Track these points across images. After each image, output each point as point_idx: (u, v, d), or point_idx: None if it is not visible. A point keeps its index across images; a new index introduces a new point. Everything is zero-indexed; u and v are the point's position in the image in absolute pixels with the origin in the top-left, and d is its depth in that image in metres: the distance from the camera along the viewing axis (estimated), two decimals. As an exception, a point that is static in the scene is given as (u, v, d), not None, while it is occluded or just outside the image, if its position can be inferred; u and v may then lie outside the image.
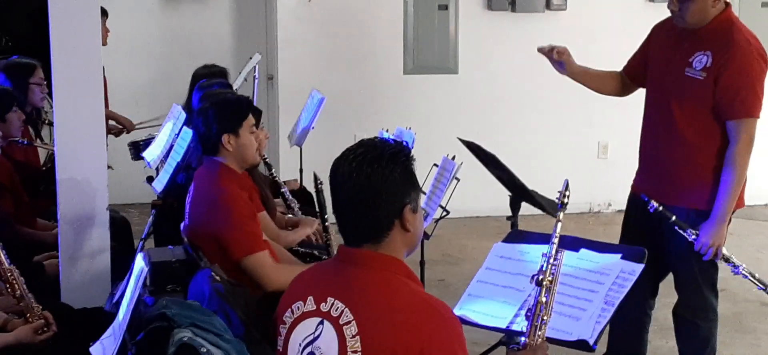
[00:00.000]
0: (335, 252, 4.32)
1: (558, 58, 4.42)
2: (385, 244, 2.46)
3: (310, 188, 5.86)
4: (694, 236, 4.01)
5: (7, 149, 4.82)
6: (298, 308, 2.53)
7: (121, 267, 4.61)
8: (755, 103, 3.97)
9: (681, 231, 4.03)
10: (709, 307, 4.23)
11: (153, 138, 6.03)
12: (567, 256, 2.86)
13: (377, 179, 2.41)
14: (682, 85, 4.08)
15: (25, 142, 5.32)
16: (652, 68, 4.32)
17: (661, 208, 4.04)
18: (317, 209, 4.64)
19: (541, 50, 4.45)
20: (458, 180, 4.41)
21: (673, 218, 4.04)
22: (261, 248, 3.96)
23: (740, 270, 3.99)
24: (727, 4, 4.07)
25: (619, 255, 3.04)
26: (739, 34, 3.99)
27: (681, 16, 4.05)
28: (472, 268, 6.73)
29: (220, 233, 3.91)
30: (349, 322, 2.40)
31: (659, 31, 4.33)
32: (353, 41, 8.03)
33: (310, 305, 2.51)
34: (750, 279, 3.99)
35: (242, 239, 3.91)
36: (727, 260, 4.01)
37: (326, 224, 4.52)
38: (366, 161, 2.43)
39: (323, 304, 2.47)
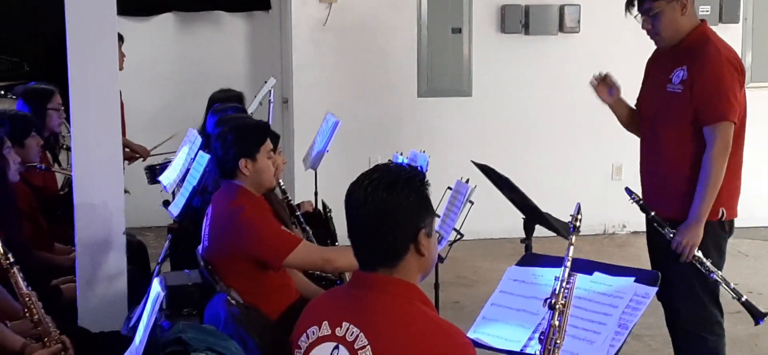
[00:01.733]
0: (348, 278, 4.40)
1: (611, 84, 4.48)
2: (399, 268, 2.48)
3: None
4: (671, 236, 4.10)
5: (25, 175, 4.85)
6: (313, 333, 2.55)
7: (137, 291, 4.65)
8: (728, 109, 4.05)
9: (660, 229, 4.13)
10: (715, 321, 4.25)
11: (169, 162, 6.07)
12: (580, 279, 2.86)
13: (392, 203, 2.43)
14: (664, 101, 4.22)
15: (44, 167, 5.36)
16: (642, 92, 4.48)
17: (653, 214, 4.17)
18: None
19: (597, 78, 4.51)
20: (472, 203, 4.42)
21: (653, 213, 4.15)
22: (299, 240, 4.01)
23: (714, 276, 4.05)
24: (702, 21, 4.22)
25: (633, 278, 3.04)
26: (712, 45, 4.11)
27: (656, 34, 4.21)
28: (487, 290, 6.73)
29: (253, 251, 3.94)
30: (364, 347, 2.42)
31: (651, 61, 4.48)
32: (368, 65, 8.08)
33: (325, 329, 2.52)
34: (724, 286, 4.03)
35: (277, 242, 3.95)
36: (701, 264, 4.07)
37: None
38: (381, 186, 2.45)
39: (338, 328, 2.49)
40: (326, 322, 2.53)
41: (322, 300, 2.69)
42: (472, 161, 4.35)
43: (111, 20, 4.37)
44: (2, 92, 7.41)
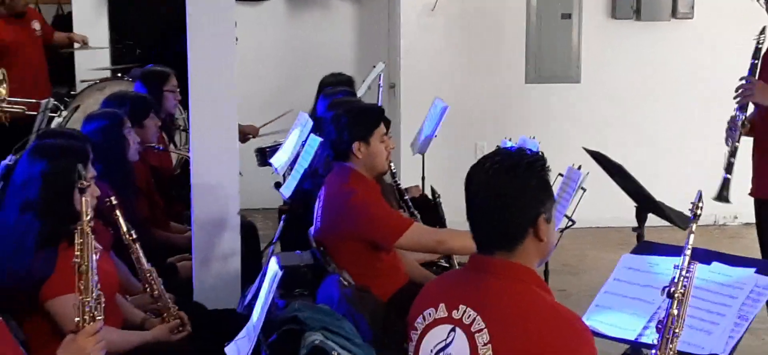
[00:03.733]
0: (457, 262, 4.41)
1: None
2: (517, 252, 2.47)
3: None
4: None
5: (143, 154, 4.98)
6: (430, 314, 2.56)
7: (248, 270, 4.75)
8: None
9: None
10: None
11: (278, 145, 6.15)
12: (699, 269, 2.82)
13: (513, 187, 2.43)
14: None
15: (161, 147, 5.50)
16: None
17: None
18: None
19: None
20: (584, 190, 4.38)
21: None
22: (411, 222, 4.06)
23: None
24: None
25: (754, 269, 2.99)
26: None
27: None
28: (592, 279, 6.68)
29: (366, 232, 4.00)
30: (481, 330, 2.42)
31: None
32: (475, 50, 8.04)
33: (441, 312, 2.54)
34: None
35: (390, 224, 4.00)
36: None
37: None
38: (502, 169, 2.45)
39: (455, 311, 2.50)
40: (443, 304, 2.54)
41: (439, 282, 2.71)
42: (584, 148, 4.31)
43: (229, 4, 4.45)
44: (119, 75, 7.60)
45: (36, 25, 7.57)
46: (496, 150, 2.56)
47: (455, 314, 2.50)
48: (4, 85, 6.61)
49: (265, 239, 6.28)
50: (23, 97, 6.25)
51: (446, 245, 4.06)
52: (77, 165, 3.01)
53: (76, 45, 7.95)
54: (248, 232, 5.48)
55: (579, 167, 4.43)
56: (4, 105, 6.44)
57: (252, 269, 4.90)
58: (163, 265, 4.47)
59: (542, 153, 2.56)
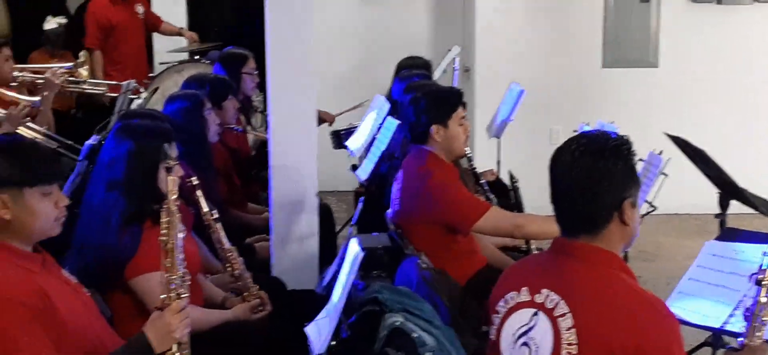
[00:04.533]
0: (534, 247, 4.38)
1: None
2: (601, 237, 2.45)
3: (506, 179, 5.90)
4: None
5: (221, 136, 5.03)
6: (512, 298, 2.56)
7: (323, 252, 4.78)
8: None
9: None
10: None
11: (353, 128, 6.17)
12: (788, 256, 2.77)
13: (599, 170, 2.41)
14: None
15: (240, 129, 5.55)
16: None
17: None
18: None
19: None
20: (666, 175, 4.32)
21: None
22: (488, 206, 4.06)
23: None
24: None
25: (844, 257, 2.92)
26: None
27: None
28: (668, 266, 6.58)
29: (443, 215, 3.99)
30: (564, 314, 2.41)
31: None
32: (552, 33, 7.96)
33: (524, 295, 2.53)
34: None
35: (467, 208, 4.00)
36: None
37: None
38: (588, 152, 2.43)
39: (538, 295, 2.49)
40: (526, 288, 2.53)
41: (522, 266, 2.70)
42: (666, 133, 4.25)
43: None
44: (196, 57, 7.69)
45: (139, 9, 7.75)
46: (582, 133, 2.54)
47: (538, 298, 2.49)
48: (86, 67, 6.75)
49: (339, 221, 6.32)
50: (122, 78, 6.38)
51: (524, 229, 4.03)
52: (163, 145, 3.06)
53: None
54: (324, 214, 5.51)
55: (660, 153, 4.38)
56: (86, 86, 6.58)
57: (327, 250, 4.94)
58: (240, 245, 4.52)
59: (628, 137, 2.53)
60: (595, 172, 2.41)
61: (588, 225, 2.45)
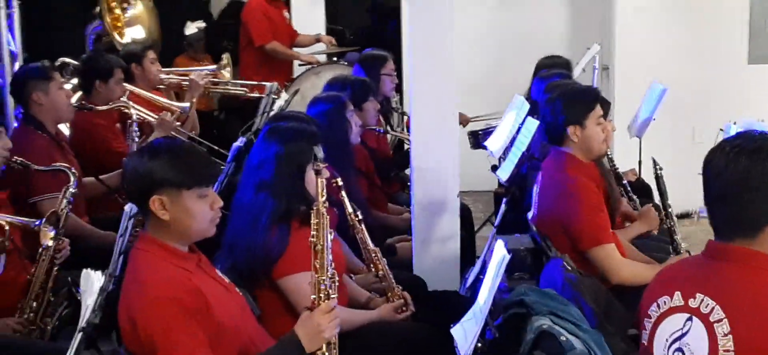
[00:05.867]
0: (680, 244, 4.26)
1: None
2: (759, 240, 2.37)
3: (648, 179, 5.77)
4: None
5: (362, 137, 5.09)
6: (665, 303, 2.50)
7: (463, 252, 4.79)
8: None
9: None
10: None
11: (491, 128, 6.15)
12: None
13: (755, 171, 2.33)
14: None
15: (382, 130, 5.61)
16: None
17: None
18: (657, 199, 4.54)
19: None
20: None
21: None
22: (608, 240, 3.95)
23: None
24: None
25: None
26: None
27: None
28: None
29: (568, 222, 3.95)
30: (720, 320, 2.35)
31: None
32: (693, 29, 7.73)
33: (677, 300, 2.47)
34: None
35: (590, 229, 3.92)
36: None
37: (669, 210, 4.42)
38: (744, 153, 2.36)
39: (692, 300, 2.43)
40: (678, 293, 2.47)
41: (674, 270, 2.64)
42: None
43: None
44: (334, 59, 7.81)
45: (286, 14, 7.95)
46: (737, 133, 2.46)
47: (692, 303, 2.43)
48: (228, 69, 6.94)
49: (476, 221, 6.31)
50: (269, 79, 6.56)
51: (613, 281, 3.91)
52: (314, 148, 3.12)
53: None
54: (463, 214, 5.52)
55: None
56: (229, 87, 6.76)
57: (466, 251, 4.94)
58: (382, 246, 4.57)
59: None
60: (753, 174, 2.33)
61: (745, 228, 2.38)
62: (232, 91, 6.80)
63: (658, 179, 4.41)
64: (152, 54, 6.43)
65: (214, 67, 6.91)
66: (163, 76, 6.51)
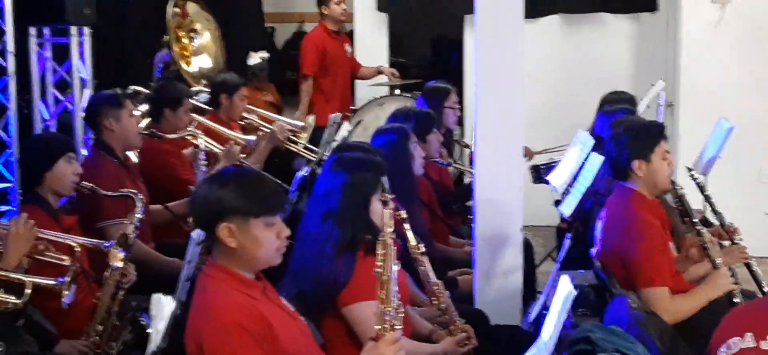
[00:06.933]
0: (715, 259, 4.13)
1: None
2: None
3: (711, 218, 5.69)
4: None
5: (425, 168, 5.10)
6: (736, 344, 2.48)
7: (524, 286, 4.76)
8: None
9: None
10: None
11: (553, 163, 6.12)
12: None
13: None
14: None
15: (446, 163, 5.61)
16: None
17: None
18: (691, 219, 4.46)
19: None
20: None
21: None
22: (662, 283, 3.90)
23: None
24: None
25: None
26: None
27: None
28: None
29: (627, 258, 3.93)
30: (795, 362, 2.32)
31: None
32: (762, 65, 7.62)
33: (749, 341, 2.45)
34: None
35: (646, 269, 3.89)
36: None
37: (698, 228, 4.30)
38: None
39: (763, 342, 2.41)
40: (750, 334, 2.45)
41: (745, 310, 2.62)
42: None
43: (519, 24, 4.48)
44: (397, 92, 7.84)
45: (348, 48, 8.00)
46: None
47: (763, 345, 2.41)
48: (307, 133, 6.66)
49: (537, 256, 6.27)
50: (325, 108, 6.54)
51: (672, 320, 3.82)
52: (382, 178, 3.13)
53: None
54: (524, 248, 5.49)
55: None
56: (299, 147, 6.52)
57: (527, 285, 4.91)
58: (443, 278, 4.56)
59: None
60: None
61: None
62: (300, 153, 6.56)
63: (681, 198, 4.37)
64: (245, 91, 6.46)
65: (300, 123, 6.69)
66: (245, 114, 6.52)
